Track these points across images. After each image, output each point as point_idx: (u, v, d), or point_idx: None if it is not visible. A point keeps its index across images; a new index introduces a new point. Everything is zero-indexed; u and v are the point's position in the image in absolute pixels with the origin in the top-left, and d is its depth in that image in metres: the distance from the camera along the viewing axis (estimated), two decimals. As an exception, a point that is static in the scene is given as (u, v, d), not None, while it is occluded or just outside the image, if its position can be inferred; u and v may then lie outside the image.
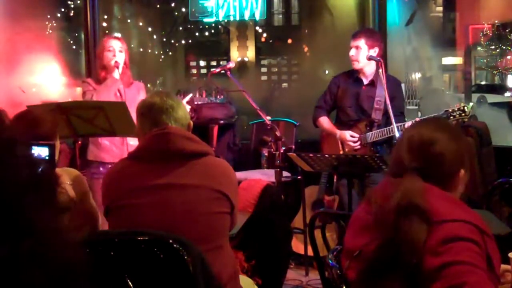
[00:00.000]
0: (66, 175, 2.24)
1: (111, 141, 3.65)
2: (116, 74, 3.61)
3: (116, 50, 3.66)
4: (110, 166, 3.62)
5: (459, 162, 1.62)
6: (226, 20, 11.25)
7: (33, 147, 1.82)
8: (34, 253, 0.77)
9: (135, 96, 3.66)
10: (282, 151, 3.63)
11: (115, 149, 3.66)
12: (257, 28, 14.79)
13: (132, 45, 10.90)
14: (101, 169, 3.65)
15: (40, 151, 1.85)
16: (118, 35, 9.84)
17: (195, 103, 4.76)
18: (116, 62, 3.61)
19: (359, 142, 3.98)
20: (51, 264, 0.80)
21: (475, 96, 15.36)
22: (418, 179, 1.56)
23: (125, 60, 3.71)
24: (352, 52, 3.99)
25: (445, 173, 1.61)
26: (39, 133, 2.22)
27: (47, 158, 1.86)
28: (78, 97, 6.70)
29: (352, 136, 3.99)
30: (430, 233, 1.46)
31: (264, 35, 15.20)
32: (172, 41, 13.63)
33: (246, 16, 8.69)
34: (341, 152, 4.03)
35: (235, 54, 14.89)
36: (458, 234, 1.45)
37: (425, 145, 1.61)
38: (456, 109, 3.56)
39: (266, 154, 4.38)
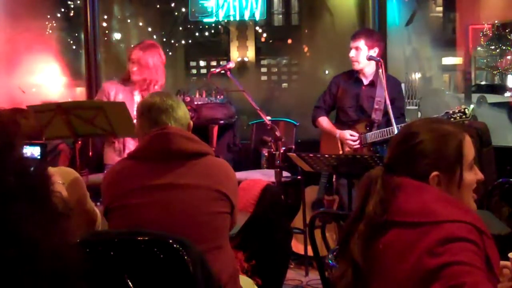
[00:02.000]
0: (59, 175, 2.22)
1: (127, 145, 3.67)
2: (137, 96, 3.68)
3: (135, 60, 3.71)
4: None
5: (433, 164, 1.58)
6: (226, 20, 11.25)
7: (25, 146, 1.80)
8: (20, 262, 0.76)
9: None
10: (282, 151, 3.63)
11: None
12: (257, 28, 14.79)
13: (132, 45, 10.90)
14: None
15: (32, 151, 1.83)
16: (118, 35, 9.86)
17: (195, 103, 4.75)
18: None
19: (358, 141, 3.97)
20: (41, 271, 0.79)
21: (475, 96, 15.35)
22: (379, 168, 1.61)
23: (149, 64, 3.77)
24: (352, 53, 3.98)
25: (414, 170, 1.59)
26: (22, 130, 2.20)
27: (39, 157, 1.83)
28: (78, 97, 6.72)
29: (351, 135, 3.99)
30: (428, 234, 1.47)
31: (264, 35, 15.19)
32: (172, 41, 13.63)
33: (246, 16, 8.68)
34: (341, 152, 4.03)
35: (235, 54, 14.88)
36: (456, 234, 1.45)
37: (406, 137, 1.62)
38: (457, 111, 3.57)
39: (266, 154, 4.38)
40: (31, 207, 0.81)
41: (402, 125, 3.69)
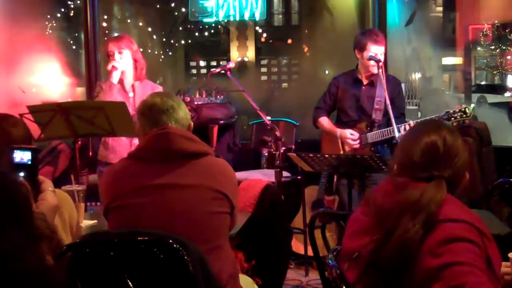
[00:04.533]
0: (49, 183, 2.16)
1: (118, 142, 3.66)
2: (114, 78, 3.61)
3: (115, 52, 3.66)
4: None
5: (467, 168, 1.66)
6: (226, 20, 11.23)
7: (15, 151, 1.71)
8: None
9: (146, 93, 3.66)
10: (282, 151, 3.63)
11: (121, 150, 3.66)
12: (257, 28, 14.76)
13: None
14: (102, 168, 3.68)
15: (22, 155, 1.75)
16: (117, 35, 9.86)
17: (195, 103, 4.76)
18: (112, 66, 3.61)
19: (358, 141, 3.97)
20: None
21: (475, 96, 15.36)
22: (445, 188, 1.56)
23: (134, 57, 3.71)
24: (382, 58, 3.95)
25: (460, 181, 1.64)
26: (12, 139, 2.13)
27: (29, 163, 1.75)
28: (78, 97, 6.71)
29: (352, 134, 3.99)
30: (429, 234, 1.47)
31: (264, 35, 15.16)
32: (172, 41, 13.61)
33: (246, 16, 8.68)
34: (341, 152, 4.03)
35: (235, 54, 14.85)
36: (457, 234, 1.45)
37: (452, 155, 1.63)
38: (458, 110, 3.58)
39: (266, 154, 4.38)
40: (7, 224, 0.79)
41: (402, 124, 3.69)
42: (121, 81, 3.70)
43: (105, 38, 4.61)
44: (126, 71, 3.70)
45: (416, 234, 1.47)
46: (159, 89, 3.81)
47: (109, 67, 3.63)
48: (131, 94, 3.71)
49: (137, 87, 3.72)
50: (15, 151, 1.68)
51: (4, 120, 2.17)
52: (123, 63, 3.66)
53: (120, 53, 3.66)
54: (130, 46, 3.72)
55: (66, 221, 2.01)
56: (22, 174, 1.67)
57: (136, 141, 3.62)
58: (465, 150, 1.67)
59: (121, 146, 3.66)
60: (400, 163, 1.66)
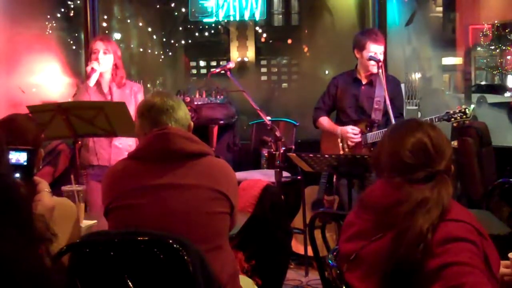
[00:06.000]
0: (45, 184, 2.15)
1: (98, 143, 3.66)
2: (92, 80, 3.59)
3: (100, 52, 3.65)
4: (97, 168, 3.66)
5: (453, 160, 1.67)
6: (226, 20, 11.23)
7: (11, 152, 1.70)
8: None
9: (126, 97, 3.66)
10: (282, 151, 3.63)
11: (102, 151, 3.67)
12: (257, 28, 14.77)
13: (132, 45, 10.91)
14: (90, 171, 3.68)
15: (19, 156, 1.73)
16: (118, 35, 9.86)
17: (195, 103, 4.75)
18: (92, 69, 3.60)
19: (360, 135, 3.98)
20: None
21: (475, 96, 15.36)
22: (450, 182, 1.57)
23: (115, 62, 3.71)
24: (381, 58, 3.95)
25: (451, 172, 1.64)
26: (22, 142, 2.13)
27: (25, 163, 1.73)
28: (78, 97, 6.68)
29: (352, 129, 3.99)
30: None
31: (264, 35, 15.17)
32: (172, 41, 13.61)
33: (246, 16, 8.68)
34: (341, 152, 4.03)
35: (235, 54, 14.86)
36: (456, 234, 1.45)
37: (442, 148, 1.62)
38: (458, 111, 3.58)
39: (266, 154, 4.38)
40: (6, 224, 0.79)
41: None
42: (98, 83, 3.69)
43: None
44: (105, 73, 3.69)
45: (429, 231, 1.46)
46: (138, 86, 3.82)
47: (89, 68, 3.62)
48: (109, 97, 3.70)
49: (114, 91, 3.73)
50: (11, 152, 1.67)
51: (20, 120, 2.17)
52: (104, 65, 3.65)
53: (105, 53, 3.66)
54: (116, 51, 3.73)
55: (65, 231, 2.00)
56: (18, 175, 1.66)
57: (116, 142, 3.65)
58: (449, 141, 1.67)
59: (102, 148, 3.67)
60: (391, 169, 1.63)
